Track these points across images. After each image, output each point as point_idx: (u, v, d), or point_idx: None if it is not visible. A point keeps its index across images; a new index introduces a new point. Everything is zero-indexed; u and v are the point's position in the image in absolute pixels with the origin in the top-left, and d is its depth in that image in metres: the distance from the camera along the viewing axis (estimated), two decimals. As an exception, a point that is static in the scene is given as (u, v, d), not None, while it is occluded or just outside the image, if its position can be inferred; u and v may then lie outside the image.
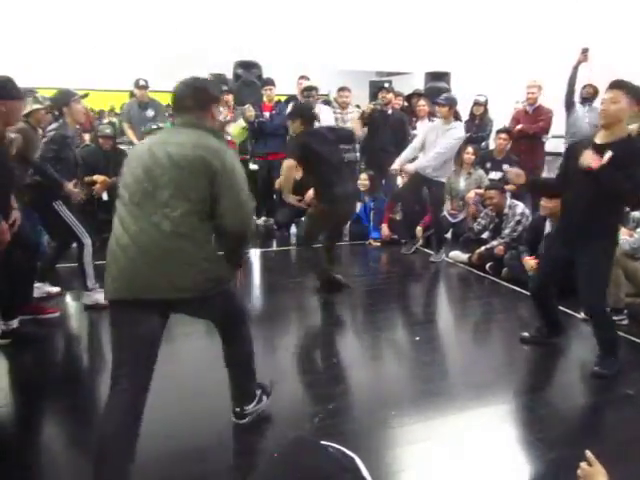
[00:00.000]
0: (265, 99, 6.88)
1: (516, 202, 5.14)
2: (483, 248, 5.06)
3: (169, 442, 2.40)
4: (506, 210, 5.08)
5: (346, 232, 6.16)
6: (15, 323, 3.41)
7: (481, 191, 5.87)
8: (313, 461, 0.91)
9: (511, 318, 4.11)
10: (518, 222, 4.97)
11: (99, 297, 3.79)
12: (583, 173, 2.84)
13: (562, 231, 3.21)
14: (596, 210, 2.91)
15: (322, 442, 0.96)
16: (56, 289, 4.24)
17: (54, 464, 2.32)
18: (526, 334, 3.51)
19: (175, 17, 8.62)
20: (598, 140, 2.95)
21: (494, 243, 5.02)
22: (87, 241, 3.87)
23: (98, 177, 5.36)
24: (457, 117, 5.32)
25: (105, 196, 5.41)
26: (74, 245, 4.02)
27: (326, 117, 6.27)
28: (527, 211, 5.07)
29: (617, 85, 2.87)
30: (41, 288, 4.08)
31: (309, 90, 6.28)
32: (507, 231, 5.01)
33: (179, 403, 2.74)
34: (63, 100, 3.84)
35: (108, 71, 8.51)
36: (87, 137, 6.49)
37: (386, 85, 6.62)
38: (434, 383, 2.96)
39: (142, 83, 6.55)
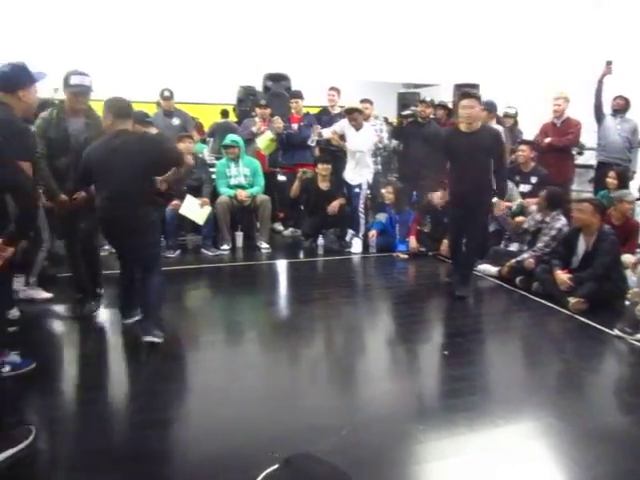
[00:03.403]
0: (293, 111, 6.94)
1: (560, 216, 4.97)
2: (514, 260, 4.97)
3: (193, 450, 2.42)
4: (548, 219, 4.99)
5: (372, 244, 6.15)
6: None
7: (510, 204, 5.79)
8: (315, 472, 0.93)
9: (541, 334, 4.04)
10: (554, 237, 4.85)
11: (34, 294, 4.20)
12: None
13: None
14: None
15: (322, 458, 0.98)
16: (46, 295, 4.30)
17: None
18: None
19: (205, 30, 8.78)
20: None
21: (525, 255, 4.92)
22: (45, 236, 4.07)
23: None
24: (499, 122, 5.34)
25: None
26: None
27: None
28: (566, 228, 4.84)
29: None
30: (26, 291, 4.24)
31: (350, 112, 6.08)
32: (540, 245, 4.89)
33: (204, 411, 2.76)
34: None
35: (137, 84, 8.68)
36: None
37: (427, 99, 6.48)
38: (463, 398, 2.92)
39: (167, 94, 6.69)
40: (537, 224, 5.11)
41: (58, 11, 7.98)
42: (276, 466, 0.96)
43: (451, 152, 4.54)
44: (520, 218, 5.48)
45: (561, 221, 4.92)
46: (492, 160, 4.49)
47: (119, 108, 3.47)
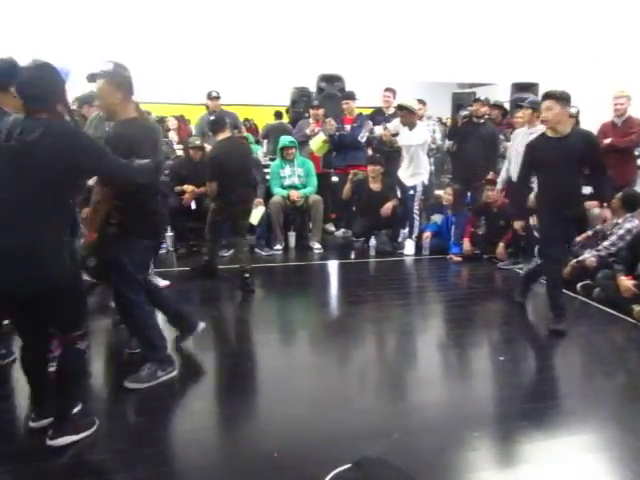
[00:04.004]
0: (345, 112, 6.94)
1: (633, 219, 4.71)
2: (574, 260, 4.76)
3: (247, 449, 2.46)
4: (621, 220, 4.73)
5: (426, 245, 6.07)
6: None
7: None
8: (384, 476, 0.93)
9: (604, 343, 3.88)
10: (621, 237, 4.60)
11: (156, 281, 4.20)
12: None
13: None
14: None
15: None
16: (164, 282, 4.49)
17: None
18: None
19: (260, 32, 8.91)
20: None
21: (586, 255, 4.71)
22: None
23: (187, 187, 5.61)
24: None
25: (193, 205, 5.66)
26: None
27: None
28: (635, 230, 4.58)
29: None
30: None
31: (400, 109, 5.99)
32: (606, 243, 4.64)
33: (256, 411, 2.81)
34: None
35: (193, 87, 8.91)
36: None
37: (482, 97, 6.35)
38: (519, 406, 2.84)
39: (214, 94, 6.80)
40: (613, 227, 4.89)
41: (106, 13, 8.21)
42: (346, 467, 0.97)
43: (538, 161, 3.94)
44: (583, 235, 5.23)
45: (633, 223, 4.66)
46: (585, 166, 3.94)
47: (130, 85, 2.76)
